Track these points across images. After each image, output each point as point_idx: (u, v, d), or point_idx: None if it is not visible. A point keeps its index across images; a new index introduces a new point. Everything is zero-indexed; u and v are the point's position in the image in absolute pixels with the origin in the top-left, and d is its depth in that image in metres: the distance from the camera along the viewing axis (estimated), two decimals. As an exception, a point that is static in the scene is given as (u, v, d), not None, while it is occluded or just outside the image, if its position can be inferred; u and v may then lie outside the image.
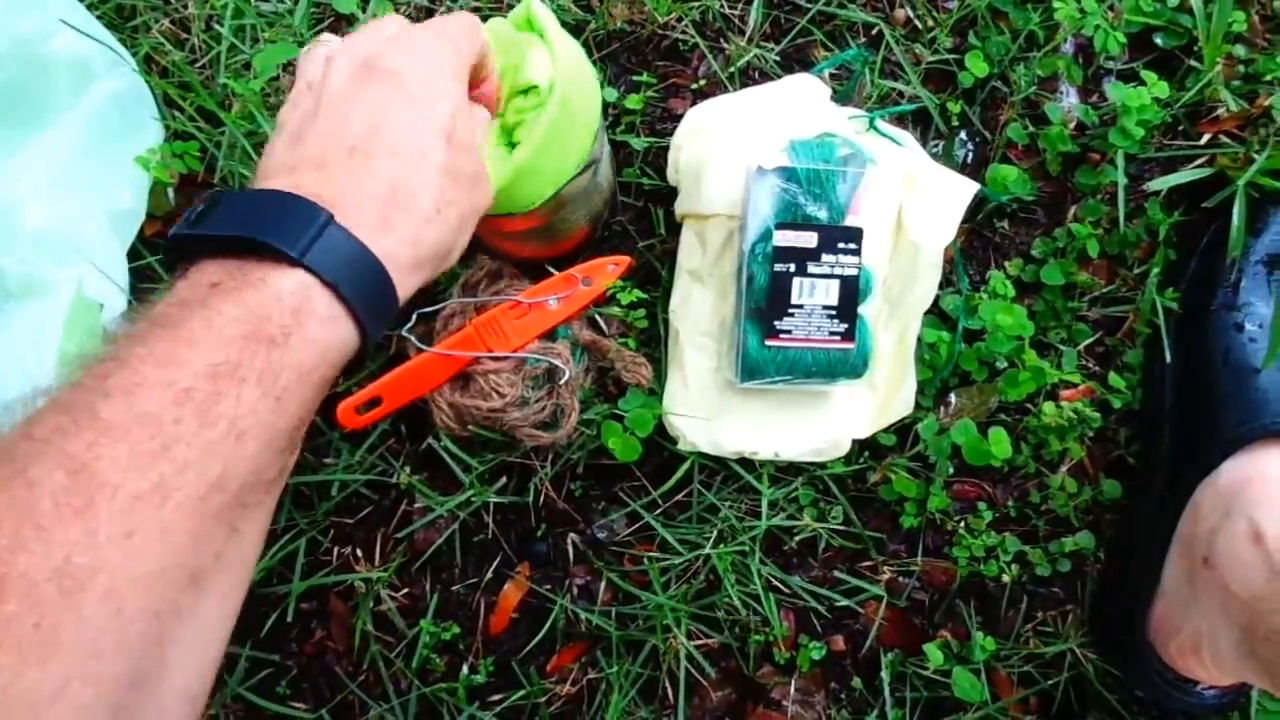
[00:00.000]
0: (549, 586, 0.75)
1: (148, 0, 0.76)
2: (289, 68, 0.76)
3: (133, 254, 0.73)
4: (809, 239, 0.67)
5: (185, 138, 0.74)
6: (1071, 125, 0.76)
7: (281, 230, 0.41)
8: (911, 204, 0.71)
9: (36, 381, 0.55)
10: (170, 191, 0.76)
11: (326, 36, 0.52)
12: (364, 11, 0.76)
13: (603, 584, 0.74)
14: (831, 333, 0.68)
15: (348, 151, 0.45)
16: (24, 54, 0.67)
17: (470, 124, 0.50)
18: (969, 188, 0.72)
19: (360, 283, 0.43)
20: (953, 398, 0.76)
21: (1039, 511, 0.76)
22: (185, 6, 0.77)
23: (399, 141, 0.46)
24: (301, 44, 0.75)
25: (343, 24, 0.78)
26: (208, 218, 0.43)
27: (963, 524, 0.75)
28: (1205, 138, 0.77)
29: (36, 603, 0.32)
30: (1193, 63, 0.77)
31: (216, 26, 0.75)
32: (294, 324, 0.41)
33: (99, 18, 0.74)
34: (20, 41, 0.67)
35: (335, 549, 0.75)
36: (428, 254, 0.47)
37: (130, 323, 0.40)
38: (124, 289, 0.70)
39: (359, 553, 0.75)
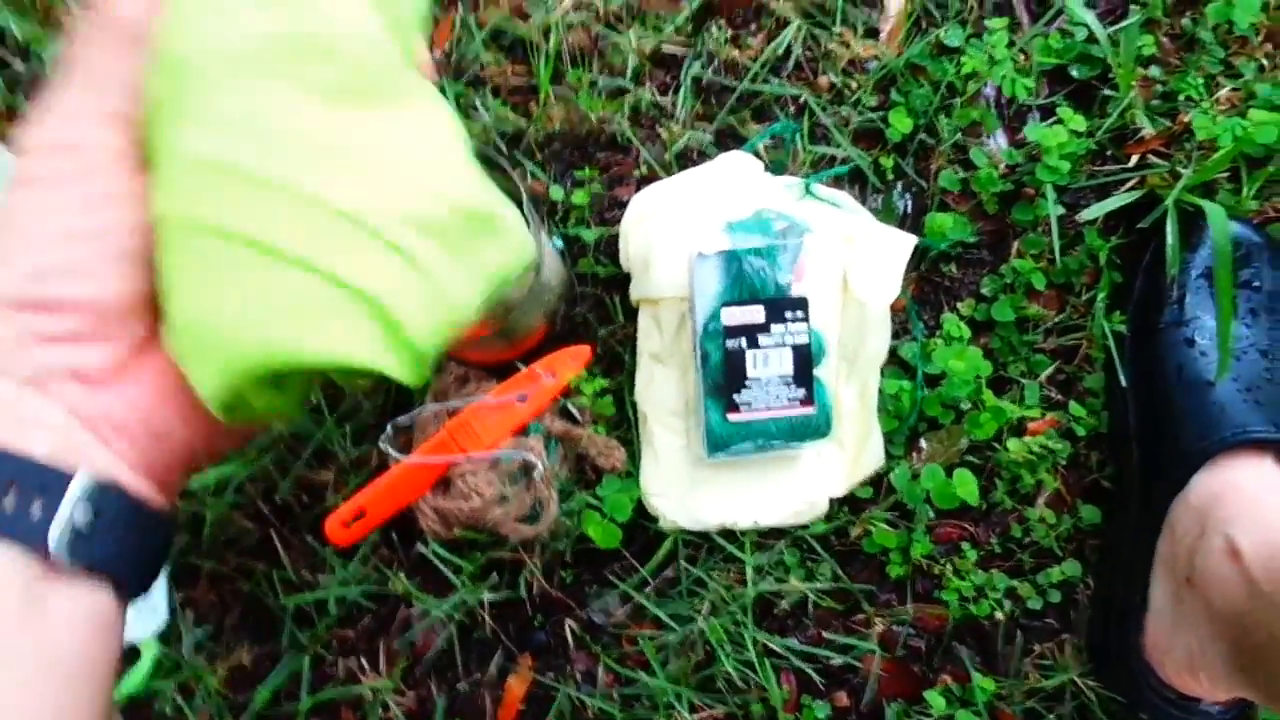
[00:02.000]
0: (552, 675, 0.76)
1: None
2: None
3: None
4: (756, 313, 0.69)
5: None
6: (1001, 167, 0.79)
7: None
8: (854, 263, 0.74)
9: None
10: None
11: None
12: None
13: (601, 669, 0.75)
14: (790, 399, 0.70)
15: None
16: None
17: None
18: (907, 242, 0.74)
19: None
20: (923, 443, 0.78)
21: (1023, 545, 0.77)
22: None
23: None
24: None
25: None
26: None
27: (949, 566, 0.76)
28: (1134, 159, 0.79)
29: None
30: (1110, 91, 0.79)
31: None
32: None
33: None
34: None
35: (340, 661, 0.77)
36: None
37: None
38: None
39: (364, 663, 0.77)
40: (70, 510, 0.32)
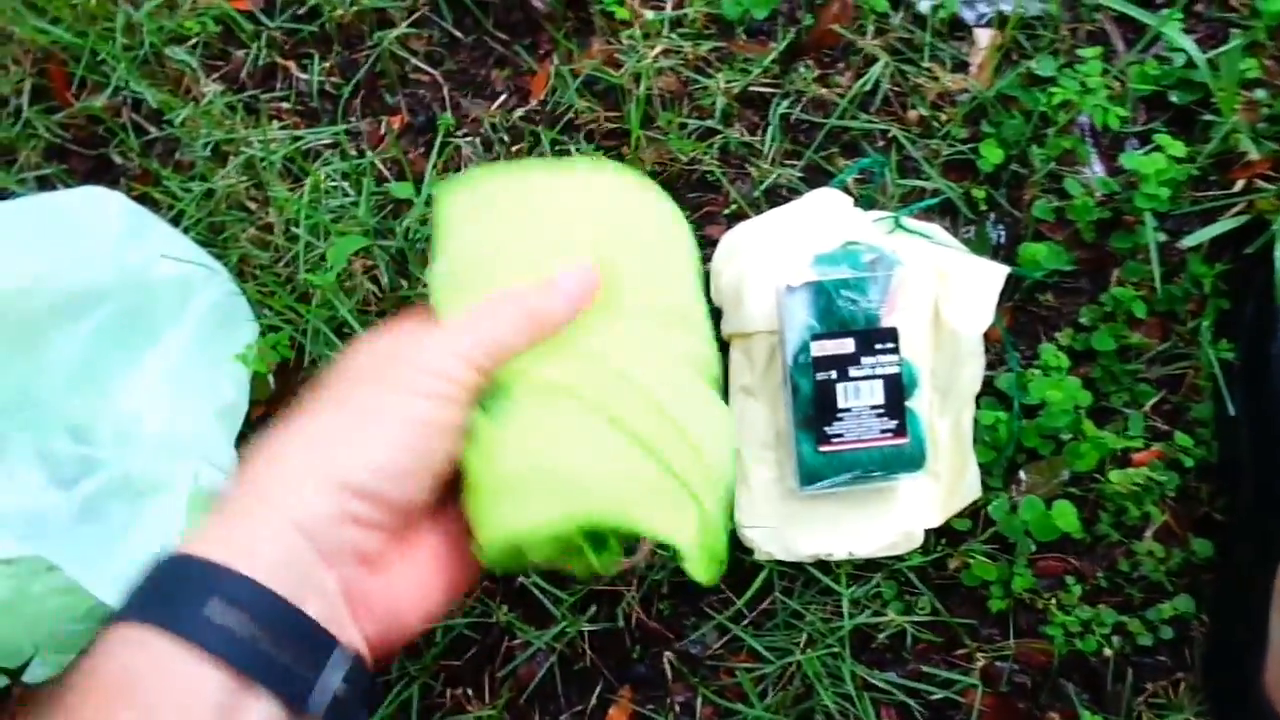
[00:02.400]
0: (651, 707, 0.77)
1: (234, 215, 0.87)
2: (359, 253, 0.85)
3: (241, 438, 0.81)
4: (846, 345, 0.70)
5: (276, 329, 0.83)
6: (1097, 195, 0.78)
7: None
8: (945, 295, 0.74)
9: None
10: (270, 378, 0.84)
11: None
12: (418, 196, 0.84)
13: (700, 700, 0.76)
14: (883, 430, 0.70)
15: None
16: (133, 282, 0.77)
17: None
18: (999, 272, 0.74)
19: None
20: (1023, 475, 0.77)
21: (1131, 580, 0.75)
22: (266, 214, 0.87)
23: None
24: (367, 233, 0.83)
25: (403, 208, 0.86)
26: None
27: (1053, 600, 0.75)
28: (1239, 184, 0.77)
29: None
30: (1211, 115, 0.78)
31: (294, 229, 0.84)
32: None
33: (194, 238, 0.84)
34: (129, 271, 0.77)
35: (448, 690, 0.79)
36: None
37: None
38: (233, 475, 0.78)
39: (469, 692, 0.79)
40: (337, 677, 0.36)
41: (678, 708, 0.77)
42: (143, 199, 0.85)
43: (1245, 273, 0.75)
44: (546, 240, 0.46)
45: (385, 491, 0.39)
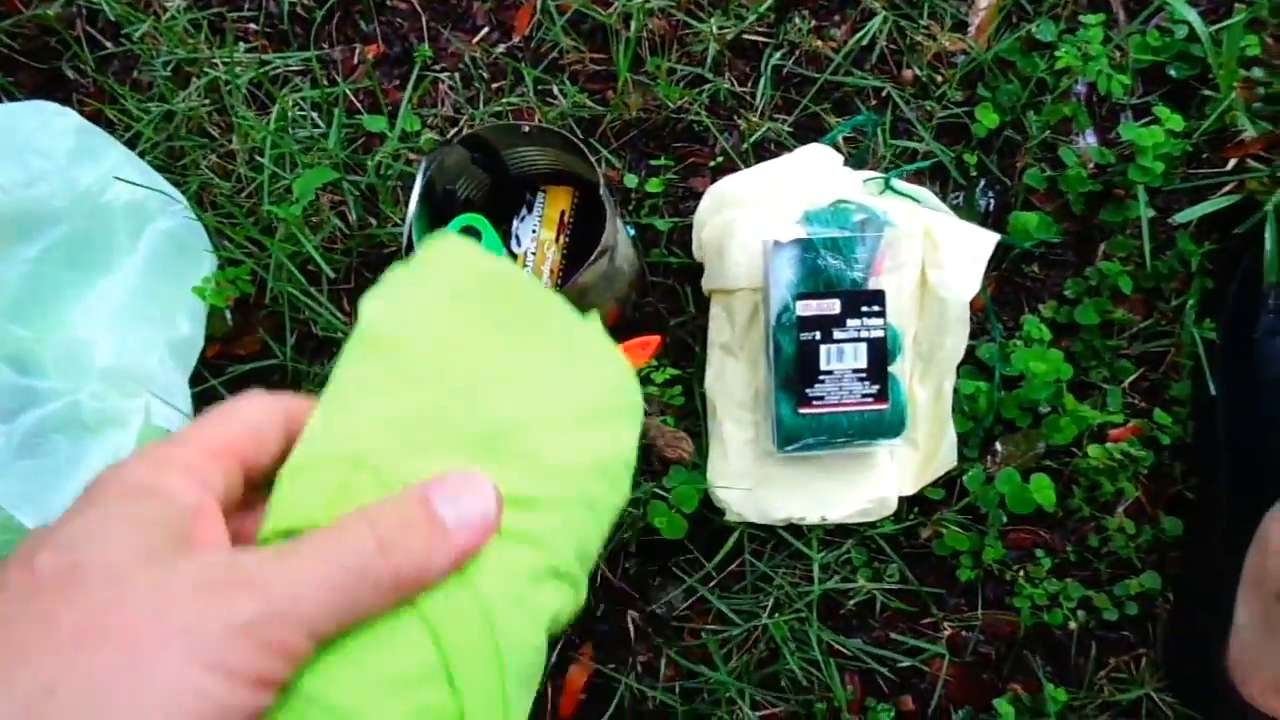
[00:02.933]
0: (613, 666, 0.76)
1: (195, 141, 0.82)
2: (327, 187, 0.81)
3: (196, 378, 0.77)
4: (832, 306, 0.68)
5: (236, 264, 0.79)
6: (1090, 166, 0.77)
7: None
8: (934, 260, 0.72)
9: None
10: (227, 314, 0.81)
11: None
12: (391, 130, 0.81)
13: (663, 661, 0.75)
14: (864, 395, 0.68)
15: None
16: (86, 207, 0.72)
17: None
18: (989, 240, 0.72)
19: None
20: (999, 446, 0.76)
21: (1099, 555, 0.75)
22: (229, 141, 0.83)
23: None
24: (337, 167, 0.79)
25: (375, 142, 0.82)
26: None
27: (1022, 573, 0.74)
28: (1231, 163, 0.76)
29: None
30: (1209, 91, 0.77)
31: (258, 158, 0.80)
32: None
33: (151, 161, 0.80)
34: (82, 196, 0.72)
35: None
36: None
37: None
38: (187, 414, 0.74)
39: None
40: None
41: (639, 668, 0.76)
42: (96, 118, 0.80)
43: (1233, 253, 0.75)
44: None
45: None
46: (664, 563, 0.76)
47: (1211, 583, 0.71)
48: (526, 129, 0.68)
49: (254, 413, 0.32)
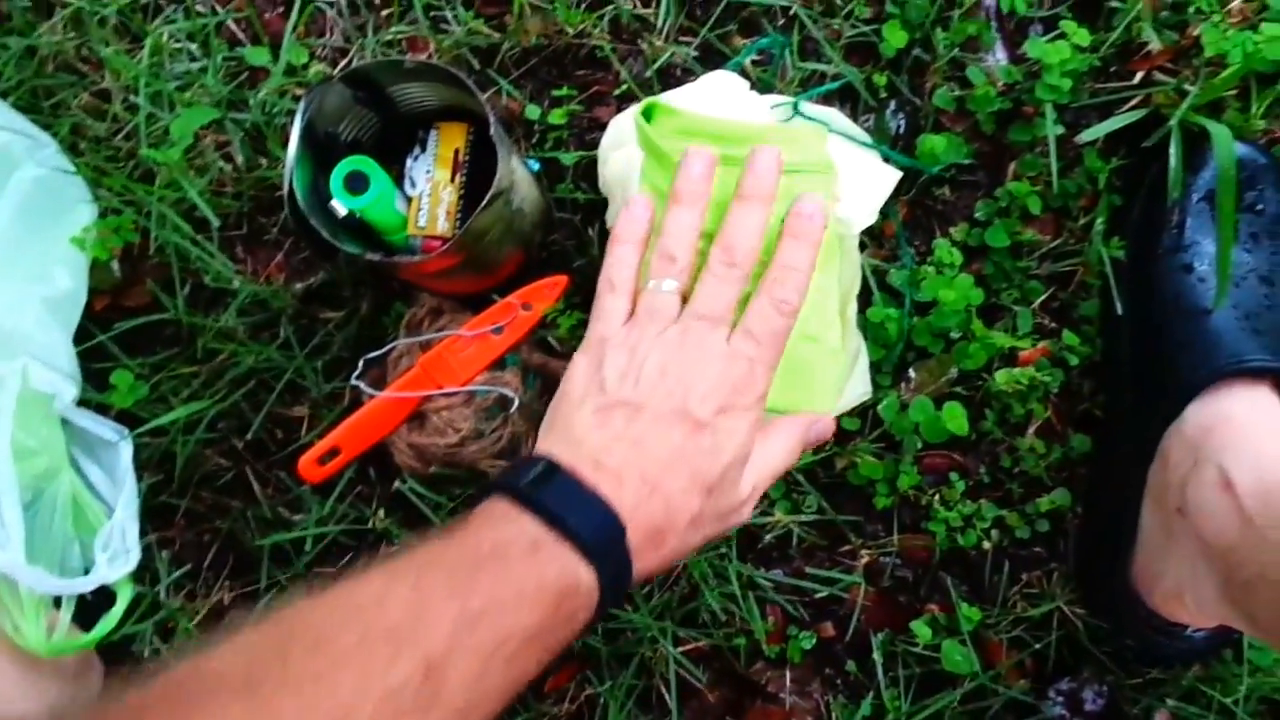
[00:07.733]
0: (535, 608, 0.75)
1: (63, 79, 0.76)
2: (209, 127, 0.76)
3: (83, 334, 0.73)
4: (739, 238, 0.66)
5: (117, 212, 0.74)
6: (999, 85, 0.75)
7: (600, 541, 0.47)
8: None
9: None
10: (114, 265, 0.76)
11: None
12: (275, 64, 0.76)
13: (584, 602, 0.75)
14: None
15: (643, 481, 0.50)
16: (-60, 155, 0.67)
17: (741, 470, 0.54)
18: (891, 176, 0.71)
19: (617, 590, 0.49)
20: (912, 373, 0.76)
21: (1012, 475, 0.76)
22: (101, 78, 0.77)
23: (689, 488, 0.51)
24: (219, 105, 0.75)
25: (260, 76, 0.77)
26: (543, 488, 0.49)
27: (937, 497, 0.75)
28: (1139, 76, 0.76)
29: None
30: (1115, 2, 0.75)
31: (133, 98, 0.75)
32: (582, 613, 0.47)
33: (14, 103, 0.74)
34: (-66, 143, 0.67)
35: (320, 598, 0.76)
36: (664, 567, 0.53)
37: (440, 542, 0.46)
38: (73, 375, 0.70)
39: (344, 599, 0.75)
40: (621, 573, 0.49)
41: (562, 609, 0.75)
42: (-52, 58, 0.74)
43: (1139, 169, 0.74)
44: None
45: None
46: (582, 504, 0.75)
47: (1118, 497, 0.72)
48: (409, 64, 0.64)
49: None
